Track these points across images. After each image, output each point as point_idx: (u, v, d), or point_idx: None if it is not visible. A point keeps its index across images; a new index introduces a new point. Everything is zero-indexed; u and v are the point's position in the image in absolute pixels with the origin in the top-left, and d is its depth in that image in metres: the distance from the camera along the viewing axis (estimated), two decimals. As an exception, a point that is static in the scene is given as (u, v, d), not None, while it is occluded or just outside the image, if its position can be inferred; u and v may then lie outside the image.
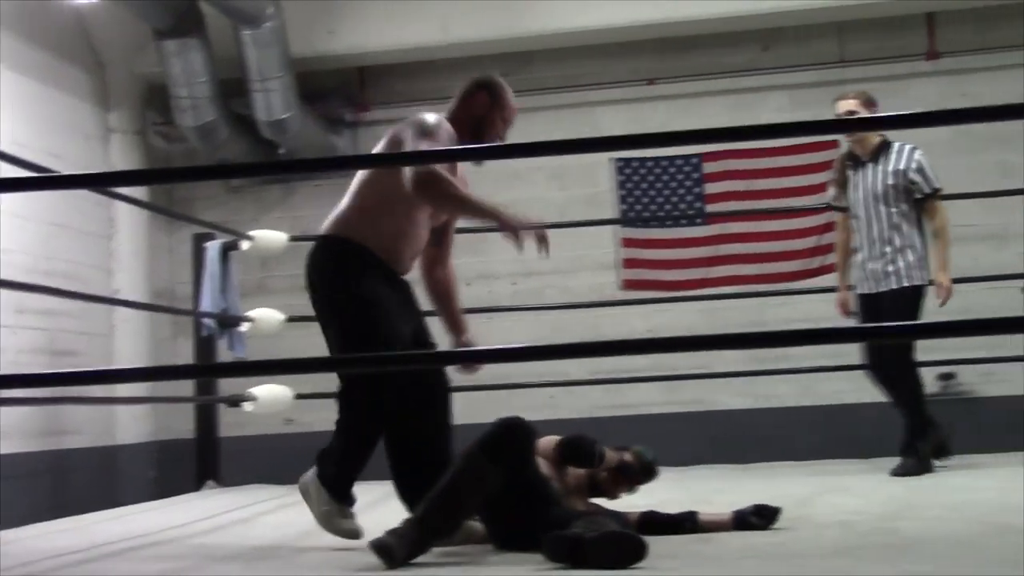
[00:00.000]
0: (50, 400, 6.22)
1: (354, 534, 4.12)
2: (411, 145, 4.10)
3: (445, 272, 4.61)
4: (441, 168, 4.07)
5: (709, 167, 8.80)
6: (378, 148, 4.40)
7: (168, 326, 9.17)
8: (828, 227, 8.60)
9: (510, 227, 3.93)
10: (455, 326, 4.59)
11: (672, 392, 8.51)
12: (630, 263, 8.82)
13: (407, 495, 4.19)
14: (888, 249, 6.19)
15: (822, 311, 8.42)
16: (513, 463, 3.81)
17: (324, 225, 4.38)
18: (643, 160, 8.86)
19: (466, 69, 9.03)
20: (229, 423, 8.15)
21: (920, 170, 6.24)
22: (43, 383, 5.18)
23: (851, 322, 6.43)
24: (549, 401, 8.35)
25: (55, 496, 7.51)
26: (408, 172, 4.04)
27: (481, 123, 4.40)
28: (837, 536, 3.94)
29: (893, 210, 6.21)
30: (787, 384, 8.43)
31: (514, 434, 3.84)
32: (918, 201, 6.26)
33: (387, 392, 4.12)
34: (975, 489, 5.21)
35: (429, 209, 4.28)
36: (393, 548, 3.59)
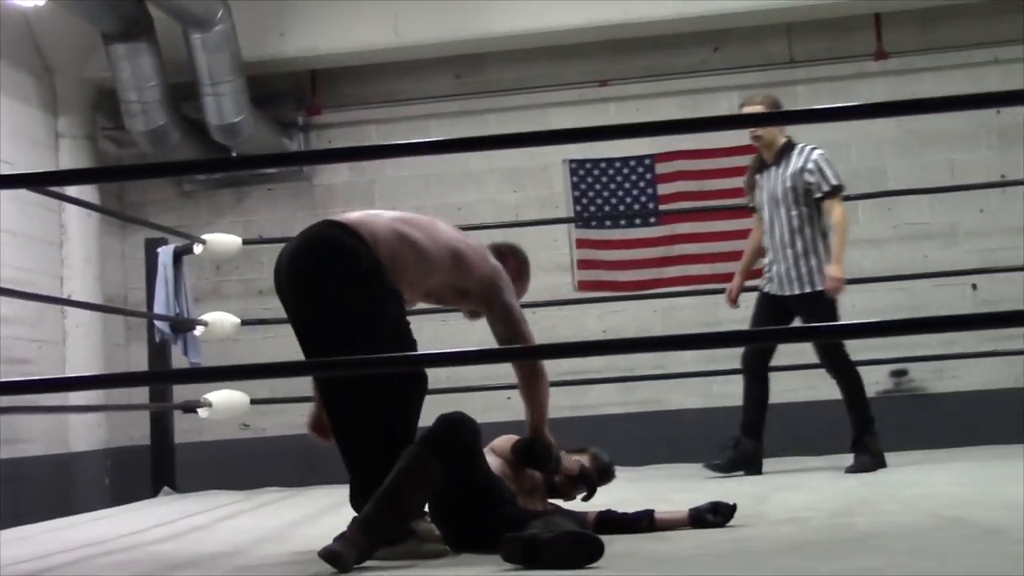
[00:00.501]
0: (2, 410, 6.16)
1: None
2: (500, 302, 4.34)
3: None
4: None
5: (661, 168, 8.84)
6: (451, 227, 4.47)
7: (122, 332, 9.11)
8: (780, 226, 8.68)
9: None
10: None
11: (628, 392, 8.55)
12: (584, 264, 8.85)
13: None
14: (790, 252, 6.28)
15: (775, 309, 8.51)
16: (457, 457, 3.80)
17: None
18: (596, 161, 8.90)
19: (418, 71, 9.13)
20: (184, 429, 8.11)
21: (816, 170, 6.25)
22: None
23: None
24: (506, 403, 8.34)
25: (8, 506, 7.43)
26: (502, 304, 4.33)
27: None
28: (792, 532, 3.97)
29: (793, 213, 6.27)
30: (741, 383, 8.47)
31: (456, 428, 3.83)
32: (818, 201, 6.29)
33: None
34: (928, 484, 5.27)
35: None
36: (342, 555, 3.56)
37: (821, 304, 6.21)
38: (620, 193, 8.91)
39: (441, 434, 3.80)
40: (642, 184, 8.84)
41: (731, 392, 8.49)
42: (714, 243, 8.69)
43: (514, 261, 4.57)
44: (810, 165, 6.25)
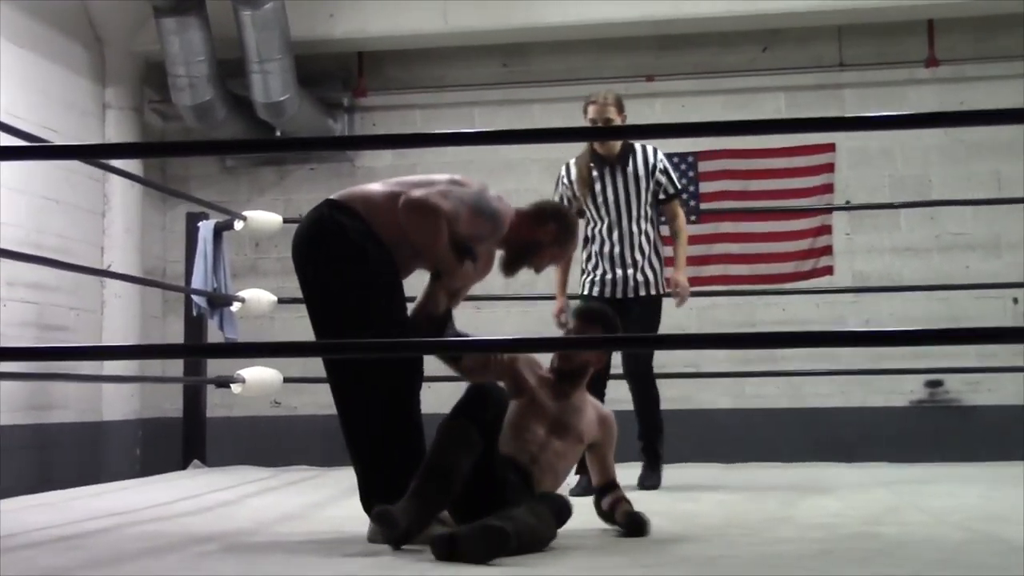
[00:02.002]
0: (38, 376, 6.21)
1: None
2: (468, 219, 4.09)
3: None
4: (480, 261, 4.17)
5: (705, 166, 8.80)
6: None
7: (159, 304, 9.17)
8: (822, 230, 8.64)
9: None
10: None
11: (659, 389, 8.52)
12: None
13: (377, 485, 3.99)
14: (639, 256, 5.91)
15: (813, 314, 8.48)
16: (491, 421, 3.86)
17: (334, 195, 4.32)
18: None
19: (465, 58, 9.12)
20: (216, 404, 8.17)
21: (666, 171, 6.00)
22: (31, 357, 5.18)
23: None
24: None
25: (39, 470, 7.50)
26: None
27: (532, 247, 4.29)
28: (819, 538, 3.95)
29: (642, 214, 5.93)
30: (774, 385, 8.45)
31: (489, 395, 3.89)
32: (660, 202, 6.03)
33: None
34: (959, 496, 5.23)
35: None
36: (396, 515, 3.57)
37: (658, 311, 6.01)
38: (662, 189, 8.86)
39: (475, 400, 3.85)
40: (684, 181, 8.79)
41: (764, 393, 8.49)
42: (755, 244, 8.64)
43: (554, 224, 4.32)
44: (661, 165, 5.96)
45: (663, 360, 7.61)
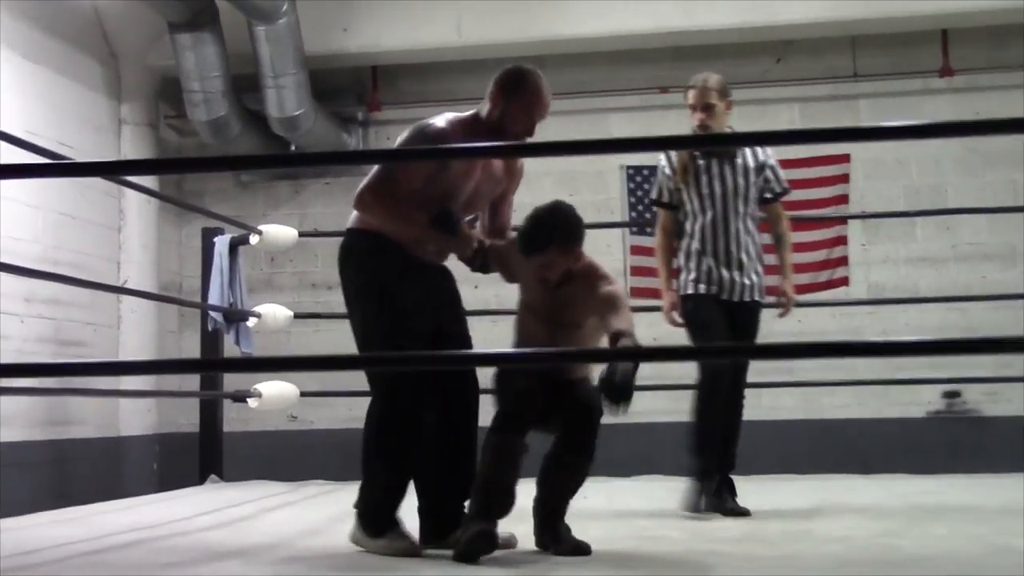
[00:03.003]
0: (55, 391, 6.23)
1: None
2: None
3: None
4: (450, 171, 4.12)
5: (719, 177, 8.78)
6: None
7: (175, 319, 9.19)
8: (838, 241, 8.63)
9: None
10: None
11: (676, 401, 8.49)
12: (638, 271, 8.82)
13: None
14: (745, 258, 5.36)
15: (829, 325, 8.46)
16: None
17: (350, 220, 4.38)
18: (654, 168, 8.82)
19: (479, 71, 9.05)
20: (233, 418, 8.18)
21: (774, 168, 5.48)
22: (48, 373, 5.19)
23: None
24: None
25: (57, 486, 7.52)
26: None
27: (502, 120, 4.26)
28: (838, 551, 3.94)
29: (748, 212, 5.39)
30: (791, 396, 8.42)
31: (521, 395, 3.98)
32: (763, 202, 5.49)
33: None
34: (978, 509, 5.21)
35: (468, 193, 4.26)
36: (493, 535, 3.84)
37: (758, 320, 5.54)
38: (676, 201, 8.86)
39: (513, 409, 3.99)
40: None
41: (781, 405, 8.47)
42: (771, 255, 8.61)
43: (496, 89, 4.28)
44: (771, 161, 5.47)
45: (679, 372, 7.61)
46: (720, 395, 5.38)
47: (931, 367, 7.39)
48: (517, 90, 4.29)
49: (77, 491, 7.41)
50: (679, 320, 5.49)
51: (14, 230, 7.29)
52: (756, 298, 5.41)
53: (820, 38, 8.76)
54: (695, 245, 5.37)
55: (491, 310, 7.12)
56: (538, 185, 8.93)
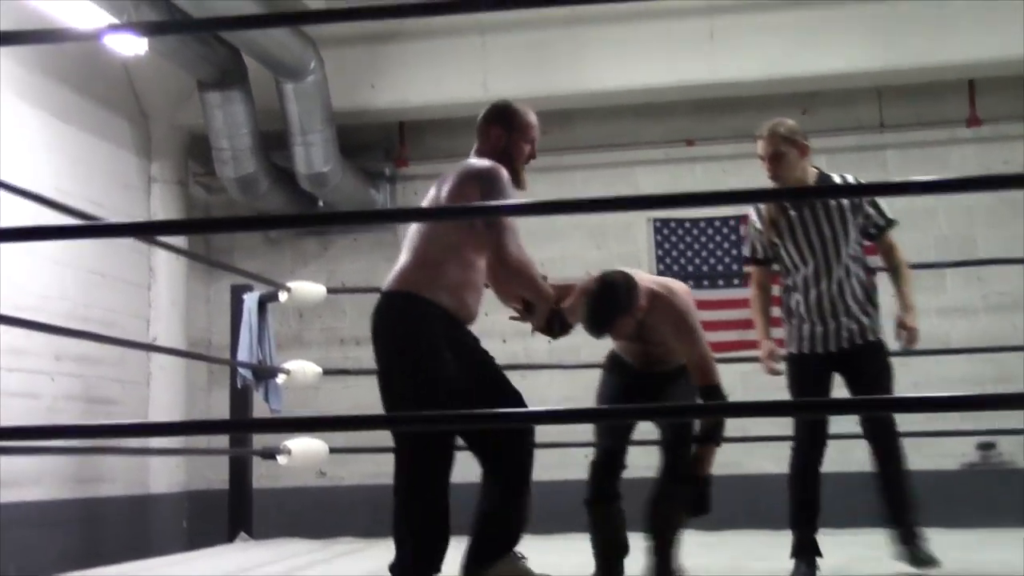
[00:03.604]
0: (85, 450, 6.23)
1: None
2: (484, 199, 4.14)
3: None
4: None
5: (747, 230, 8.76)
6: (431, 200, 4.36)
7: (204, 375, 9.21)
8: (866, 291, 8.56)
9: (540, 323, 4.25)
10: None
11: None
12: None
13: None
14: (851, 303, 5.09)
15: (859, 376, 8.36)
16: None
17: (388, 280, 4.34)
18: (681, 221, 8.86)
19: (506, 127, 9.15)
20: (262, 474, 8.16)
21: (874, 201, 5.20)
22: (78, 434, 5.20)
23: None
24: (583, 461, 8.29)
25: (87, 544, 7.51)
26: (500, 248, 4.13)
27: (507, 155, 4.36)
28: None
29: (850, 253, 5.12)
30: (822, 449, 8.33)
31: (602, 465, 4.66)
32: (870, 237, 5.23)
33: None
34: (1014, 563, 5.13)
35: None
36: None
37: (886, 358, 5.26)
38: (704, 253, 8.85)
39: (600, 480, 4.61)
40: (726, 245, 8.78)
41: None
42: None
43: (495, 127, 4.43)
44: (866, 199, 5.18)
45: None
46: (807, 461, 5.34)
47: (965, 419, 7.33)
48: (513, 121, 4.44)
49: (107, 550, 7.40)
50: (778, 368, 5.30)
51: (44, 287, 7.34)
52: (869, 339, 5.14)
53: (846, 89, 8.76)
54: (797, 298, 5.16)
55: (520, 364, 7.11)
56: (568, 237, 8.96)
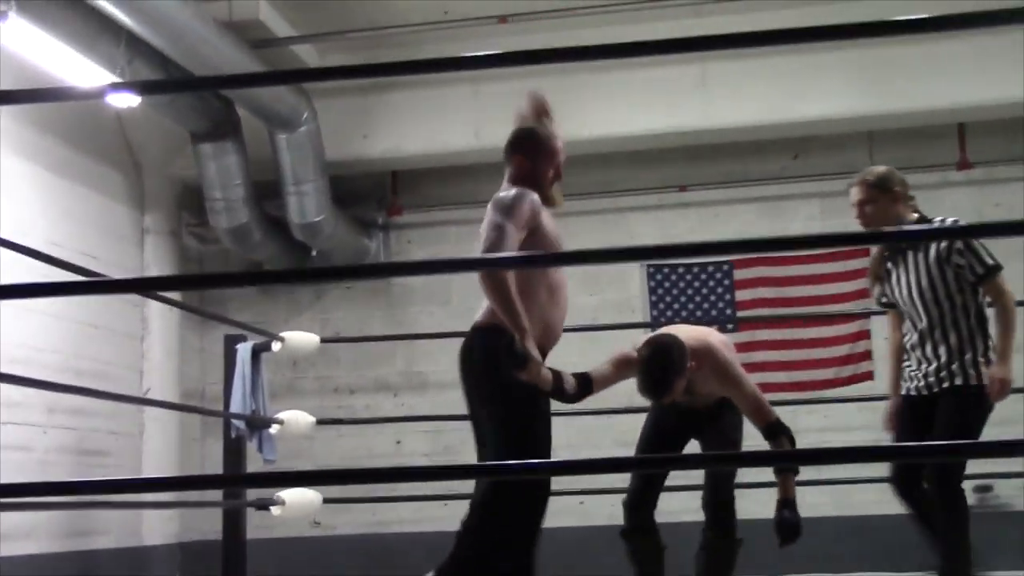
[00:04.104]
0: (78, 505, 6.19)
1: None
2: (492, 222, 4.40)
3: None
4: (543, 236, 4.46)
5: (740, 274, 8.79)
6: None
7: (198, 426, 9.17)
8: (860, 335, 8.57)
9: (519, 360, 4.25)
10: None
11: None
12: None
13: None
14: (942, 351, 5.11)
15: (856, 419, 8.37)
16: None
17: (477, 316, 4.54)
18: (674, 266, 8.87)
19: (498, 174, 9.11)
20: (256, 525, 8.10)
21: (963, 251, 5.10)
22: (71, 491, 5.15)
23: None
24: (578, 508, 8.26)
25: (80, 599, 7.45)
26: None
27: (533, 180, 4.61)
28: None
29: (945, 299, 5.11)
30: (820, 494, 8.30)
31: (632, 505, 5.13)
32: (975, 284, 5.14)
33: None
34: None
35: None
36: None
37: (971, 402, 5.13)
38: (698, 299, 8.86)
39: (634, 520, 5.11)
40: (720, 290, 8.78)
41: (810, 502, 8.31)
42: (794, 351, 8.59)
43: (519, 156, 4.69)
44: (957, 244, 5.11)
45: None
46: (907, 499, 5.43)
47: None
48: (534, 147, 4.71)
49: (100, 604, 7.35)
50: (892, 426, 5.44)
51: (37, 340, 7.32)
52: (956, 383, 5.10)
53: (837, 134, 8.79)
54: (906, 342, 5.30)
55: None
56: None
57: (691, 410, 5.10)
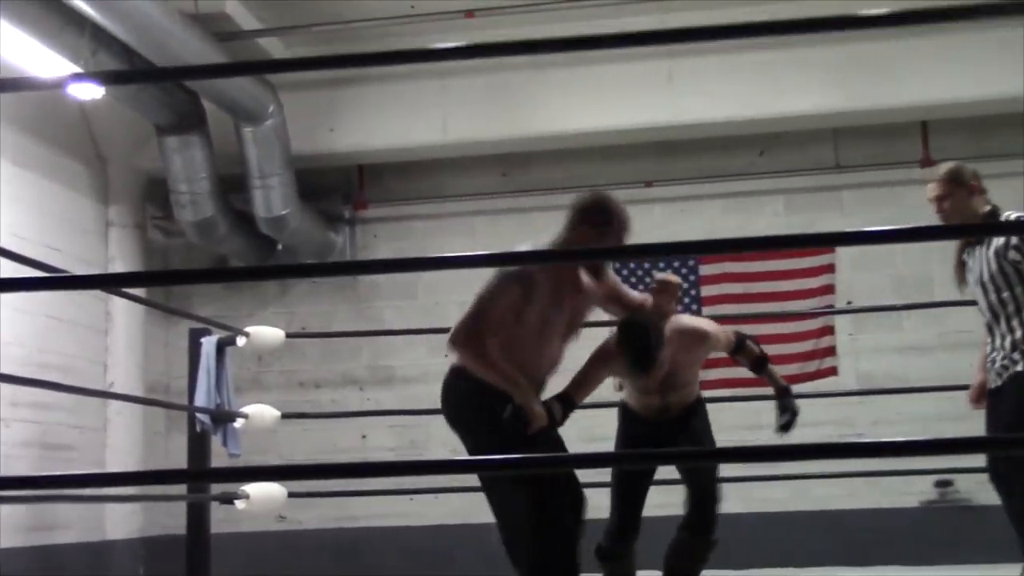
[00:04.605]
0: (41, 499, 6.16)
1: None
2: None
3: None
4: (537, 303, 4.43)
5: (706, 269, 8.82)
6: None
7: (162, 420, 9.12)
8: (825, 331, 8.63)
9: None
10: None
11: (667, 495, 8.44)
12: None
13: None
14: (1006, 343, 5.17)
15: (820, 415, 8.40)
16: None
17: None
18: (640, 262, 8.88)
19: (465, 168, 9.18)
20: (221, 519, 8.06)
21: (1022, 242, 5.14)
22: (33, 485, 5.11)
23: None
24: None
25: (42, 593, 7.41)
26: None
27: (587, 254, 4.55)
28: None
29: (1006, 290, 5.19)
30: (783, 488, 8.36)
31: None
32: None
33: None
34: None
35: (566, 318, 4.58)
36: None
37: None
38: (664, 294, 8.86)
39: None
40: (685, 285, 8.81)
41: (773, 497, 8.40)
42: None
43: (585, 228, 4.61)
44: (1014, 240, 5.16)
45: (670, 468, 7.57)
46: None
47: (924, 457, 7.35)
48: (603, 230, 4.53)
49: (62, 598, 7.31)
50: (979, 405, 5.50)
51: (1, 334, 7.26)
52: (1017, 369, 5.13)
53: (803, 131, 8.84)
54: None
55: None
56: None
57: (660, 421, 5.10)
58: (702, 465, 4.94)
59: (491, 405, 4.35)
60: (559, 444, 4.49)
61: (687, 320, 5.22)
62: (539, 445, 4.31)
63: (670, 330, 4.85)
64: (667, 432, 5.08)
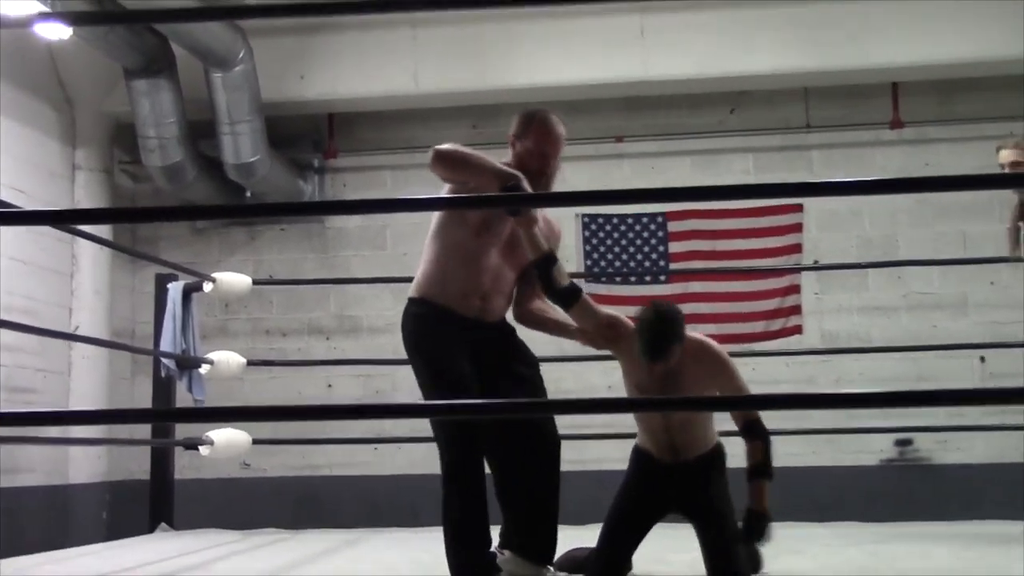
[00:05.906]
0: (3, 439, 6.14)
1: None
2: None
3: (537, 304, 4.85)
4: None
5: (674, 226, 8.85)
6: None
7: (127, 365, 9.11)
8: (791, 290, 8.68)
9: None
10: (566, 331, 4.88)
11: (627, 449, 8.50)
12: (593, 318, 8.83)
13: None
14: None
15: (783, 373, 8.49)
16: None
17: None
18: (609, 217, 8.91)
19: (435, 119, 9.16)
20: (184, 465, 8.09)
21: None
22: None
23: None
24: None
25: (5, 534, 7.40)
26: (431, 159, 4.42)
27: (520, 161, 4.59)
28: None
29: None
30: (741, 445, 8.42)
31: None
32: None
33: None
34: (929, 557, 5.22)
35: (498, 245, 4.53)
36: None
37: None
38: (631, 250, 8.91)
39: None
40: (653, 241, 8.85)
41: (733, 453, 8.45)
42: (725, 303, 8.68)
43: (511, 137, 4.64)
44: None
45: (630, 420, 7.62)
46: None
47: (883, 416, 7.45)
48: (527, 130, 4.60)
49: (25, 540, 7.30)
50: None
51: (-36, 275, 7.23)
52: None
53: (773, 90, 8.86)
54: None
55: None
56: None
57: (674, 470, 4.73)
58: (717, 520, 4.66)
59: (434, 331, 4.40)
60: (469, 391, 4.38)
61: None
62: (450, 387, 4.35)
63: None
64: (681, 489, 4.73)
